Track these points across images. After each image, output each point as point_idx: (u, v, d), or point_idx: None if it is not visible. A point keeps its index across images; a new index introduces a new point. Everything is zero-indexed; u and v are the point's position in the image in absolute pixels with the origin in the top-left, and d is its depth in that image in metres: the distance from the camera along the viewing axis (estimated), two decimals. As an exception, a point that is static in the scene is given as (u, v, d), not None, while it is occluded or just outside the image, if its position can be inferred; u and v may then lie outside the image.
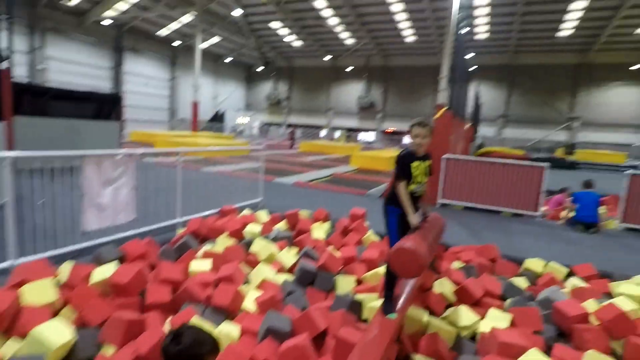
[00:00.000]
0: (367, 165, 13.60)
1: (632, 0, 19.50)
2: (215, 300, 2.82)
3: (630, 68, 26.62)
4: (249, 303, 2.96)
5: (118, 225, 3.96)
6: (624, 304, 2.92)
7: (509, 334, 2.52)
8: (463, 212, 6.94)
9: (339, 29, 28.67)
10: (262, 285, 3.24)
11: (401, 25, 26.90)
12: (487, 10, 23.10)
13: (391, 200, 2.82)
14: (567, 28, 24.26)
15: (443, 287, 3.37)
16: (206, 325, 2.43)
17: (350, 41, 31.17)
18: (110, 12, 24.64)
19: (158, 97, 31.81)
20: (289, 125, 38.80)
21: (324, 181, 9.96)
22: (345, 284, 3.40)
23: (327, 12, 26.41)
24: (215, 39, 32.70)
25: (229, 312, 2.84)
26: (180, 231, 4.37)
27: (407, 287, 2.99)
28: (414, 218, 2.69)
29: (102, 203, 3.70)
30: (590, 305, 3.06)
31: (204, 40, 30.91)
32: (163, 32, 29.74)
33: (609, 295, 3.44)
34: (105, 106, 8.92)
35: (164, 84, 32.28)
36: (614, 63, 27.04)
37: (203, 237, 4.33)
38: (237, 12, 25.84)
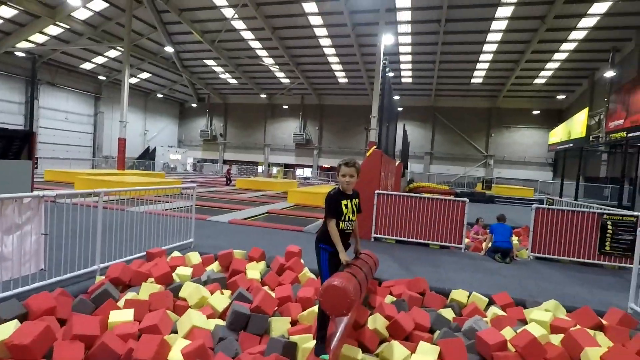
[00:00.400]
0: (304, 201, 13.70)
1: (528, 56, 22.70)
2: (137, 355, 2.58)
3: (533, 112, 30.57)
4: (176, 354, 2.75)
5: (23, 277, 3.52)
6: (535, 330, 3.18)
7: (437, 365, 2.61)
8: (395, 245, 7.21)
9: (274, 68, 29.46)
10: (191, 333, 3.04)
11: (334, 67, 28.40)
12: (410, 57, 25.36)
13: (322, 238, 2.92)
14: (478, 76, 27.39)
15: (376, 322, 3.42)
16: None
17: (285, 80, 32.10)
18: (24, 44, 22.92)
19: (80, 133, 29.63)
20: (225, 162, 38.20)
21: (260, 218, 9.82)
22: (279, 326, 3.31)
23: (262, 53, 27.12)
24: (145, 75, 31.77)
25: (152, 367, 2.60)
26: (100, 279, 3.99)
27: (341, 325, 2.99)
28: (344, 255, 2.79)
29: (3, 253, 3.28)
30: (508, 332, 3.28)
31: (132, 75, 29.89)
32: (86, 65, 28.20)
33: (524, 321, 3.72)
34: (14, 144, 8.09)
35: (87, 120, 30.26)
36: (518, 108, 30.88)
37: (126, 284, 4.00)
38: (169, 49, 25.52)
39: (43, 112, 26.32)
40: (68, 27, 22.20)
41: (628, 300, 4.29)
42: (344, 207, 2.87)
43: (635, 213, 6.17)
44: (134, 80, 31.49)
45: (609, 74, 20.17)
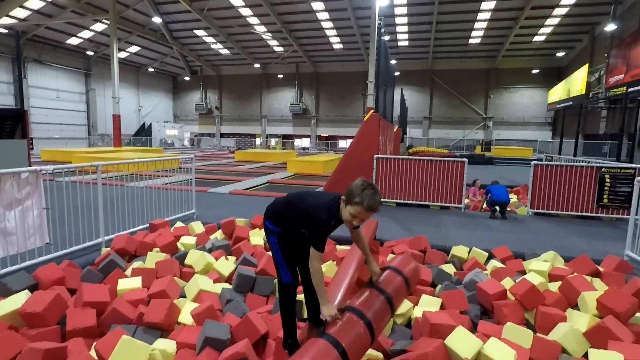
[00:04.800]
0: (303, 170, 13.72)
1: (527, 12, 22.01)
2: (147, 318, 2.66)
3: (532, 72, 30.04)
4: (186, 316, 2.83)
5: (29, 251, 3.56)
6: (534, 279, 3.25)
7: (438, 316, 2.69)
8: (396, 208, 7.28)
9: (266, 37, 28.66)
10: (199, 296, 3.12)
11: (328, 33, 27.61)
12: (406, 19, 24.61)
13: (271, 215, 2.17)
14: (476, 37, 26.67)
15: (379, 279, 3.49)
16: (139, 343, 2.27)
17: (279, 49, 31.31)
18: (5, 20, 22.11)
19: (73, 112, 29.18)
20: (222, 135, 37.94)
21: (261, 188, 9.86)
22: (285, 287, 3.38)
23: (253, 20, 26.29)
24: (135, 48, 30.90)
25: (163, 329, 2.69)
26: (105, 250, 4.05)
27: (344, 282, 3.05)
28: (329, 308, 1.95)
29: (6, 228, 3.31)
30: (507, 282, 3.36)
31: (121, 49, 29.06)
32: (73, 41, 27.34)
33: (523, 272, 3.81)
34: (6, 123, 7.98)
35: (79, 98, 29.72)
36: (517, 68, 30.30)
37: (132, 254, 4.06)
38: (157, 20, 24.67)
39: (33, 91, 25.81)
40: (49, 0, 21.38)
41: (625, 248, 4.38)
42: None
43: (634, 165, 6.19)
44: (123, 55, 30.68)
45: (610, 27, 19.59)
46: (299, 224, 2.07)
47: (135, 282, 3.18)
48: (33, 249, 3.60)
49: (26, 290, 2.83)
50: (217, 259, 3.91)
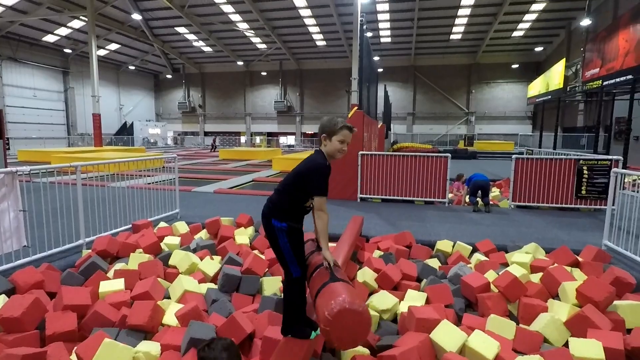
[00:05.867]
0: (289, 168, 13.59)
1: (506, 8, 22.36)
2: (131, 320, 2.60)
3: (512, 66, 30.58)
4: (170, 318, 2.79)
5: (6, 255, 3.45)
6: (516, 271, 3.31)
7: (424, 310, 2.71)
8: (381, 204, 7.32)
9: (249, 34, 28.36)
10: (184, 297, 3.07)
11: (311, 30, 27.50)
12: (388, 16, 24.69)
13: (276, 213, 2.20)
14: (457, 32, 26.97)
15: (365, 275, 3.52)
16: (121, 346, 2.23)
17: (262, 46, 31.04)
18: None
19: (51, 111, 28.34)
20: (207, 134, 37.49)
21: (246, 187, 9.79)
22: (271, 285, 3.36)
23: (235, 17, 25.98)
24: (114, 46, 30.19)
25: (147, 331, 2.64)
26: (86, 252, 3.95)
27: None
28: (329, 253, 2.13)
29: (-18, 231, 3.20)
30: (491, 275, 3.41)
31: (100, 46, 28.38)
32: (50, 38, 26.51)
33: (506, 265, 3.87)
34: (-19, 123, 7.71)
35: (57, 97, 28.89)
36: (498, 63, 30.80)
37: (114, 256, 3.98)
38: (136, 17, 24.14)
39: (8, 89, 24.99)
40: (24, -4, 20.69)
41: (602, 238, 4.51)
42: None
43: (610, 157, 6.37)
44: (102, 52, 29.98)
45: (585, 22, 20.10)
46: (301, 186, 2.14)
47: (118, 284, 3.12)
48: (10, 253, 3.49)
49: (3, 295, 2.74)
50: (201, 258, 3.86)
